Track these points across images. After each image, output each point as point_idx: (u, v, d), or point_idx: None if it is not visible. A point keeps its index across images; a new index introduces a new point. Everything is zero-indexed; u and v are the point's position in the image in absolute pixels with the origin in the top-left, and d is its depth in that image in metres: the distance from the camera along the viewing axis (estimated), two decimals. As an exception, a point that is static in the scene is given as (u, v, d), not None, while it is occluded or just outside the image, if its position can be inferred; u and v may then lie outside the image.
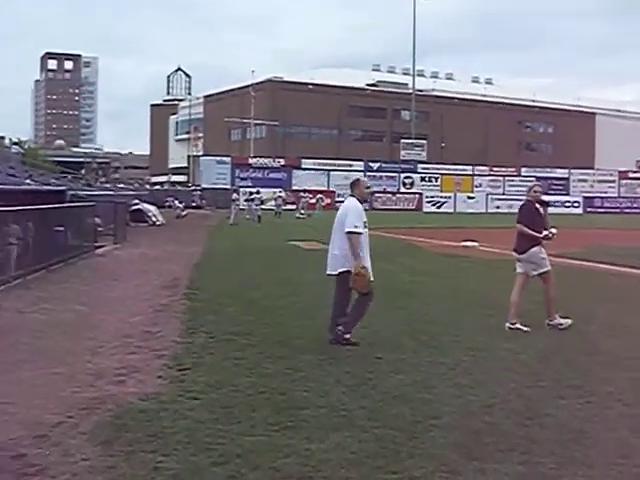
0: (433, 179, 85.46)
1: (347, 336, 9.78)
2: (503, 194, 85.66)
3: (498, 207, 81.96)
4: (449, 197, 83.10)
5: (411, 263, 21.20)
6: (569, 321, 11.10)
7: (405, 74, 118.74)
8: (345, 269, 9.89)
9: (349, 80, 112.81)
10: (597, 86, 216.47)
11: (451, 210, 79.82)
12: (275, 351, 9.23)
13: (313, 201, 62.33)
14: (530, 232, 11.36)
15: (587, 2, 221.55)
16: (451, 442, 6.05)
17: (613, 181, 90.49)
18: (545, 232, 11.50)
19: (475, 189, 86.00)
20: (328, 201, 72.26)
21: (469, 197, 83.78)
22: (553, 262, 20.27)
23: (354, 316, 9.98)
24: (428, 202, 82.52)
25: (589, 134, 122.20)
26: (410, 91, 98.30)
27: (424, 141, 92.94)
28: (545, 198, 12.00)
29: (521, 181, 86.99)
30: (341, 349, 9.43)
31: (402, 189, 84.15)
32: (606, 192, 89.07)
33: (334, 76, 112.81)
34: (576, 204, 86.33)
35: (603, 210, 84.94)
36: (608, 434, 6.30)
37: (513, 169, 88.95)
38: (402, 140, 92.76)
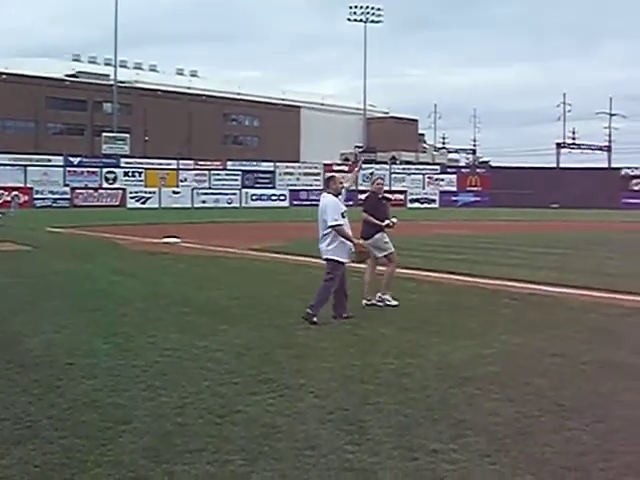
0: (137, 174, 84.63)
1: (315, 319, 11.35)
2: (209, 188, 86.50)
3: (204, 201, 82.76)
4: (154, 192, 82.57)
5: (111, 262, 20.85)
6: (397, 303, 13.10)
7: (107, 65, 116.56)
8: (328, 257, 11.89)
9: (47, 70, 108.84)
10: (301, 80, 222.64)
11: (156, 205, 79.38)
12: (-46, 363, 8.76)
13: (8, 199, 59.77)
14: (374, 220, 13.26)
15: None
16: (141, 447, 6.00)
17: (318, 174, 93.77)
18: (387, 221, 13.39)
19: (180, 183, 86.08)
20: (25, 198, 69.73)
21: (174, 192, 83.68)
22: (255, 257, 20.85)
23: (320, 299, 11.70)
24: (132, 198, 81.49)
25: (294, 127, 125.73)
26: (112, 83, 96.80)
27: (127, 135, 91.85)
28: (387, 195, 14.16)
29: (227, 175, 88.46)
30: (28, 355, 9.13)
31: (105, 184, 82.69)
32: (311, 185, 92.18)
33: (30, 66, 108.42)
34: (282, 197, 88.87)
35: (308, 203, 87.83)
36: (298, 426, 6.51)
37: (219, 163, 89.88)
38: (104, 134, 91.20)
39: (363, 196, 13.18)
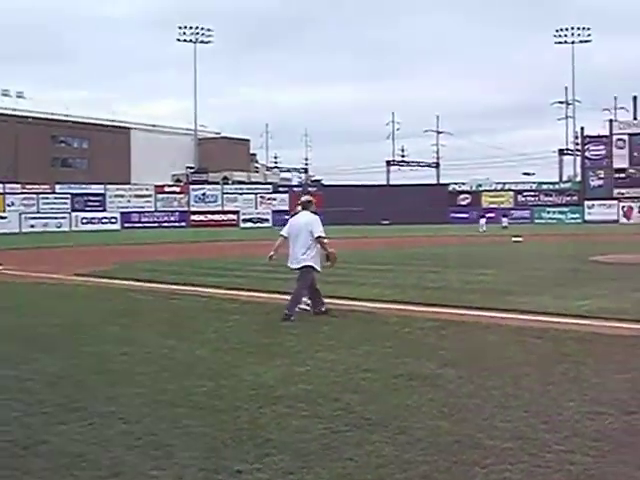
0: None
1: (292, 317, 13.84)
2: (38, 212, 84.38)
3: (33, 226, 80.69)
4: (-21, 218, 79.91)
5: None
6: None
7: None
8: (308, 264, 14.27)
9: None
10: (133, 101, 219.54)
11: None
12: None
13: None
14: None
15: (119, 11, 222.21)
16: (-63, 485, 5.83)
17: (150, 195, 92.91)
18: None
19: (7, 208, 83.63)
20: None
21: (1, 217, 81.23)
22: (79, 282, 20.41)
23: (295, 300, 14.35)
24: (-45, 224, 78.64)
25: (124, 149, 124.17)
26: None
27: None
28: None
29: (56, 198, 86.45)
30: None
31: None
32: (143, 207, 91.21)
33: None
34: (113, 220, 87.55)
35: (140, 225, 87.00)
36: (104, 454, 6.44)
37: (47, 186, 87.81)
38: None
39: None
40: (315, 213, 14.76)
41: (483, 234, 59.87)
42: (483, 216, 71.49)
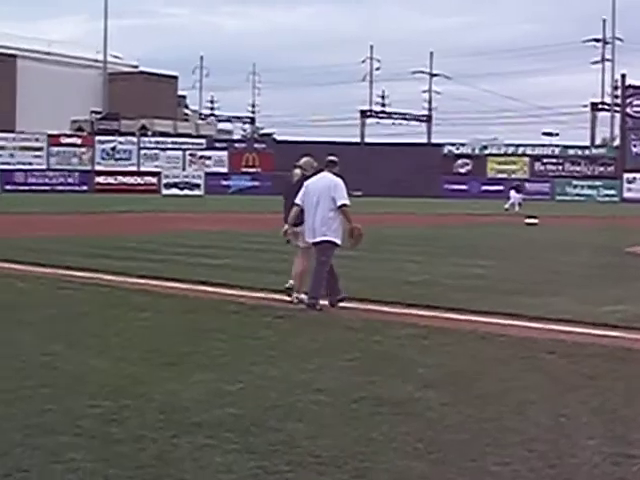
0: None
1: (318, 306, 15.00)
2: None
3: None
4: None
5: None
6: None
7: None
8: (329, 238, 15.14)
9: None
10: (20, 19, 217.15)
11: None
12: None
13: None
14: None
15: None
16: None
17: (40, 148, 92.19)
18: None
19: None
20: None
21: None
22: None
23: (317, 283, 15.18)
24: None
25: (8, 84, 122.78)
26: None
27: None
28: None
29: None
30: None
31: None
32: (31, 163, 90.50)
33: None
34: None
35: (27, 188, 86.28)
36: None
37: None
38: None
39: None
40: (338, 176, 15.60)
41: (509, 214, 59.04)
42: (514, 187, 67.01)
